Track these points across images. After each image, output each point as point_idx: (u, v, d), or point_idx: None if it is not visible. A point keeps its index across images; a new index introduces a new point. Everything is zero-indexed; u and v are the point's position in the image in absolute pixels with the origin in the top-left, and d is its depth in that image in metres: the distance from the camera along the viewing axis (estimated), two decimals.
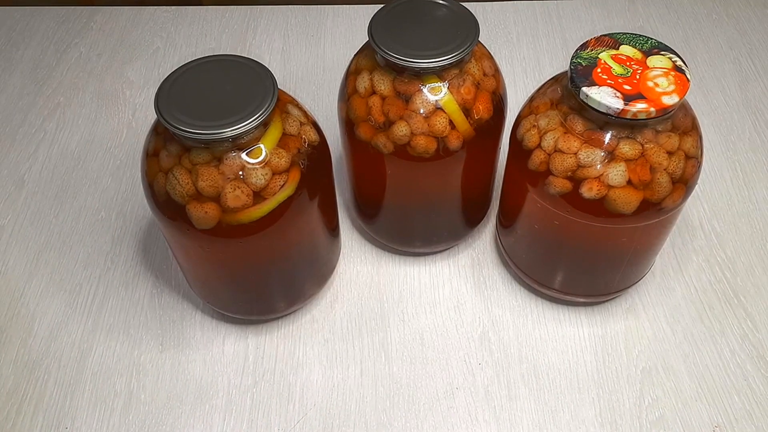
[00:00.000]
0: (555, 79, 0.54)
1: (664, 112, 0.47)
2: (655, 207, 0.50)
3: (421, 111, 0.51)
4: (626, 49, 0.50)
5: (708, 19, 0.91)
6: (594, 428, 0.56)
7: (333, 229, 0.60)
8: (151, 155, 0.49)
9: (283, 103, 0.51)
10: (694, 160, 0.50)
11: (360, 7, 0.93)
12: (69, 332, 0.62)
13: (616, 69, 0.49)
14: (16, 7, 0.94)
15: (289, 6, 0.94)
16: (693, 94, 0.80)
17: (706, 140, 0.75)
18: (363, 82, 0.53)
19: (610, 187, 0.49)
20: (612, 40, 0.51)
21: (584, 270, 0.59)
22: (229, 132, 0.45)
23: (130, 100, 0.83)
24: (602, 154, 0.49)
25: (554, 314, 0.63)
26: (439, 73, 0.51)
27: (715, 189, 0.72)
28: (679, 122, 0.50)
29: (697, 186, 0.52)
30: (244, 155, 0.47)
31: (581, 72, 0.48)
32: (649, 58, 0.50)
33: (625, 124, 0.48)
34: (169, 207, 0.48)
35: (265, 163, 0.47)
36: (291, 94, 0.54)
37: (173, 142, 0.47)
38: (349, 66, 0.56)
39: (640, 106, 0.46)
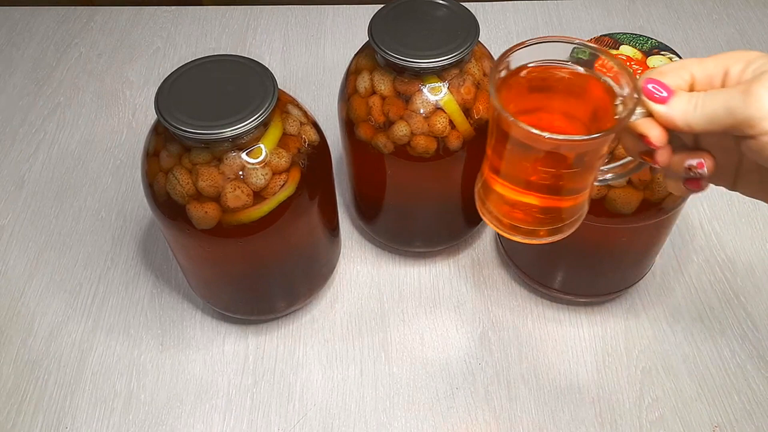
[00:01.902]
0: None
1: None
2: (656, 207, 0.50)
3: (421, 111, 0.51)
4: (626, 49, 0.50)
5: (708, 19, 0.91)
6: (594, 428, 0.56)
7: (333, 229, 0.60)
8: (151, 155, 0.49)
9: (283, 103, 0.51)
10: None
11: (360, 7, 0.93)
12: (69, 332, 0.62)
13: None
14: (16, 7, 0.94)
15: (289, 6, 0.94)
16: None
17: None
18: (363, 82, 0.53)
19: (610, 187, 0.49)
20: (612, 40, 0.51)
21: (584, 270, 0.59)
22: (229, 132, 0.45)
23: (130, 100, 0.83)
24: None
25: (554, 314, 0.63)
26: (439, 73, 0.51)
27: (715, 189, 0.72)
28: None
29: None
30: (244, 155, 0.47)
31: None
32: (649, 58, 0.50)
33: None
34: (169, 207, 0.48)
35: (265, 163, 0.47)
36: (291, 94, 0.54)
37: (173, 142, 0.47)
38: (350, 66, 0.56)
39: None
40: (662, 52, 0.50)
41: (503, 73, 0.38)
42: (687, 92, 0.35)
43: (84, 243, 0.69)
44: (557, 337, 0.61)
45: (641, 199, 0.49)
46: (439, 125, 0.51)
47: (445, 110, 0.51)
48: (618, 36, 0.51)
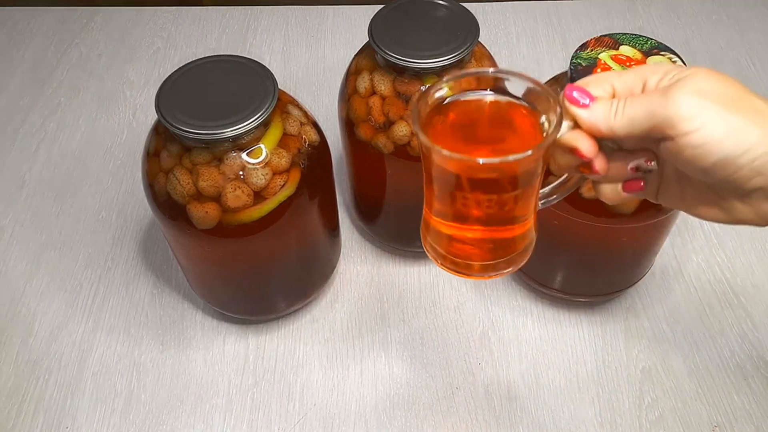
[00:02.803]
0: (555, 79, 0.54)
1: None
2: (655, 207, 0.50)
3: None
4: (626, 50, 0.50)
5: (708, 19, 0.91)
6: (594, 428, 0.56)
7: (333, 229, 0.60)
8: (151, 155, 0.49)
9: (283, 103, 0.51)
10: None
11: (360, 7, 0.93)
12: (70, 332, 0.62)
13: (616, 69, 0.49)
14: (16, 8, 0.94)
15: (289, 6, 0.94)
16: None
17: None
18: (363, 83, 0.53)
19: None
20: (612, 41, 0.51)
21: (584, 270, 0.59)
22: (230, 132, 0.45)
23: (130, 101, 0.83)
24: None
25: (554, 314, 0.63)
26: (439, 74, 0.51)
27: None
28: None
29: None
30: (244, 155, 0.47)
31: (581, 72, 0.49)
32: (649, 58, 0.50)
33: None
34: (169, 207, 0.48)
35: (266, 163, 0.47)
36: (291, 94, 0.54)
37: (174, 142, 0.47)
38: (350, 66, 0.56)
39: None
40: (662, 53, 0.50)
41: (425, 110, 0.37)
42: (609, 99, 0.35)
43: (84, 243, 0.69)
44: (557, 337, 0.61)
45: (641, 199, 0.49)
46: None
47: None
48: (618, 36, 0.51)
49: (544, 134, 0.36)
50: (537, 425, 0.56)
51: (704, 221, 0.69)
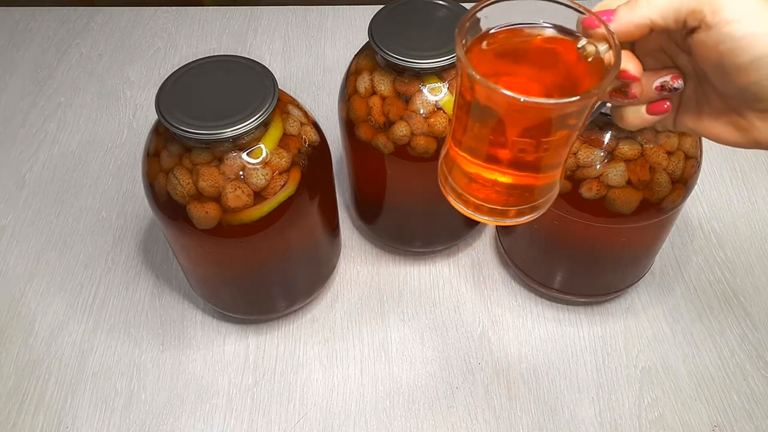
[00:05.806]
0: None
1: None
2: (655, 207, 0.50)
3: (421, 111, 0.51)
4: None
5: None
6: (593, 428, 0.56)
7: (333, 229, 0.61)
8: (151, 155, 0.49)
9: (283, 103, 0.51)
10: (693, 160, 0.51)
11: (360, 7, 0.93)
12: (70, 332, 0.62)
13: None
14: (16, 8, 0.94)
15: (290, 7, 0.94)
16: None
17: (705, 140, 0.75)
18: (363, 83, 0.53)
19: (609, 187, 0.49)
20: None
21: (584, 270, 0.59)
22: (230, 132, 0.45)
23: (130, 101, 0.83)
24: (602, 154, 0.49)
25: (554, 314, 0.63)
26: (439, 74, 0.51)
27: (715, 189, 0.72)
28: None
29: (696, 186, 0.52)
30: (244, 155, 0.47)
31: None
32: None
33: None
34: (169, 207, 0.49)
35: (266, 163, 0.48)
36: (291, 94, 0.54)
37: (174, 143, 0.47)
38: (350, 66, 0.56)
39: None
40: None
41: (469, 38, 0.34)
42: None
43: (85, 243, 0.69)
44: (557, 337, 0.61)
45: (641, 199, 0.50)
46: (439, 125, 0.52)
47: (445, 110, 0.51)
48: None
49: (602, 81, 0.32)
50: (537, 425, 0.56)
51: (704, 220, 0.69)
